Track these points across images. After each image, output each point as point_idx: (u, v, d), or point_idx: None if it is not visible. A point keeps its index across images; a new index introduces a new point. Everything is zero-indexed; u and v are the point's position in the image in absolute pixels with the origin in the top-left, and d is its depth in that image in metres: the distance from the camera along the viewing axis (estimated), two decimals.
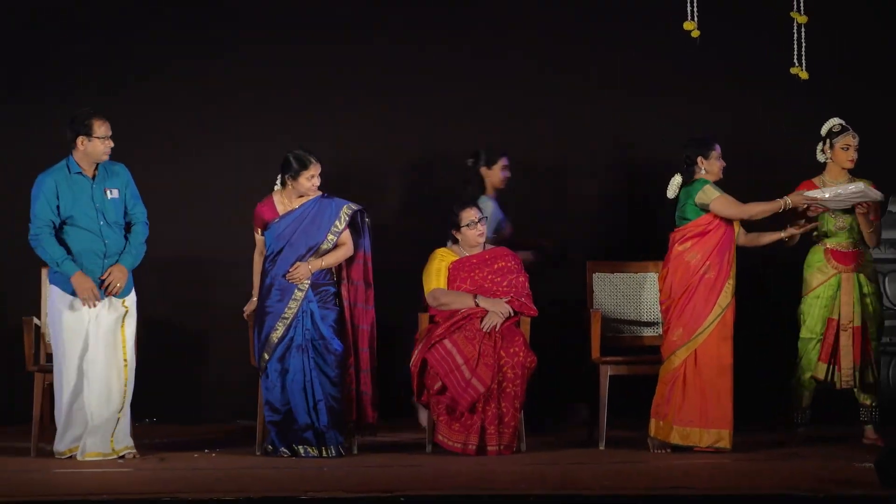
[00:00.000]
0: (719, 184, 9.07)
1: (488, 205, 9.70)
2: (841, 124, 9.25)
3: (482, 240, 9.27)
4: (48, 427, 8.90)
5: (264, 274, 8.90)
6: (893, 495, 7.11)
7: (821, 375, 9.22)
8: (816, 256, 9.28)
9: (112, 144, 8.64)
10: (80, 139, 8.57)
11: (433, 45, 10.77)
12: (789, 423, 9.31)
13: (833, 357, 9.24)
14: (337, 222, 8.92)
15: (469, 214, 9.23)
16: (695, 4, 8.57)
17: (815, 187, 9.20)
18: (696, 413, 8.88)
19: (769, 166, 10.65)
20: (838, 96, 10.31)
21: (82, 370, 8.53)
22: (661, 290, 9.10)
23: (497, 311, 9.04)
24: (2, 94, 10.52)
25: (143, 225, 8.73)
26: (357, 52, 10.72)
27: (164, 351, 9.54)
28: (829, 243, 9.25)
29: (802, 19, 8.75)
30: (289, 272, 8.81)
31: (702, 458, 8.75)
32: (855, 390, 9.25)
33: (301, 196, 8.96)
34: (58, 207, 8.52)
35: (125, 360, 8.61)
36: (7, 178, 10.38)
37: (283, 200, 8.98)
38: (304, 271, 8.81)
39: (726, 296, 8.91)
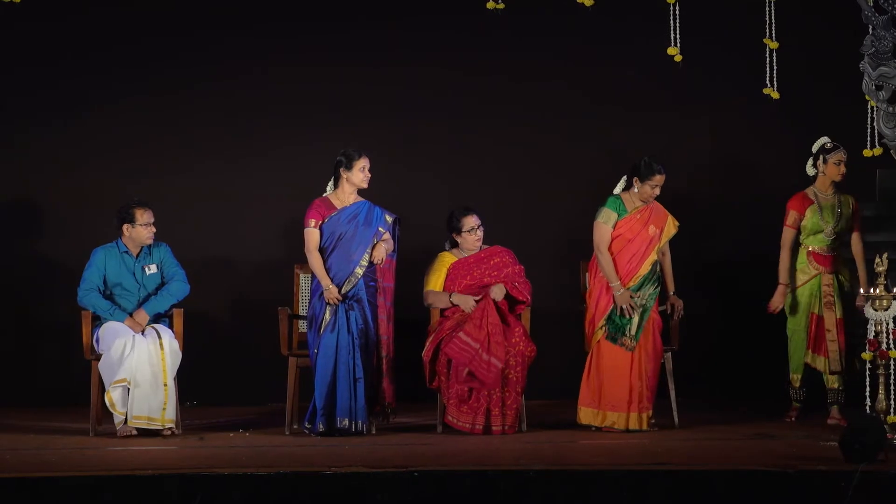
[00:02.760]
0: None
1: None
2: (832, 142, 9.65)
3: (479, 244, 9.63)
4: (104, 410, 9.28)
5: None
6: (857, 470, 7.52)
7: (808, 361, 9.76)
8: (800, 258, 9.77)
9: (154, 230, 9.41)
10: (125, 226, 9.43)
11: (465, 69, 11.02)
12: (787, 400, 9.82)
13: (816, 346, 9.72)
14: (380, 226, 9.38)
15: (470, 221, 9.60)
16: (677, 32, 9.18)
17: (808, 199, 9.68)
18: (595, 397, 9.35)
19: (745, 177, 11.07)
20: (805, 113, 10.62)
21: (131, 346, 9.14)
22: (589, 284, 9.61)
23: (467, 305, 9.45)
24: (71, 103, 10.88)
25: (181, 283, 9.48)
26: (392, 73, 11.00)
27: (204, 342, 9.84)
28: (811, 246, 9.73)
29: (774, 45, 9.23)
30: (373, 255, 9.26)
31: (684, 437, 9.13)
32: (825, 376, 9.73)
33: (353, 192, 9.37)
34: (105, 277, 9.40)
35: (158, 334, 9.24)
36: (60, 182, 10.86)
37: (338, 197, 9.39)
38: (382, 252, 9.30)
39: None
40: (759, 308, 9.85)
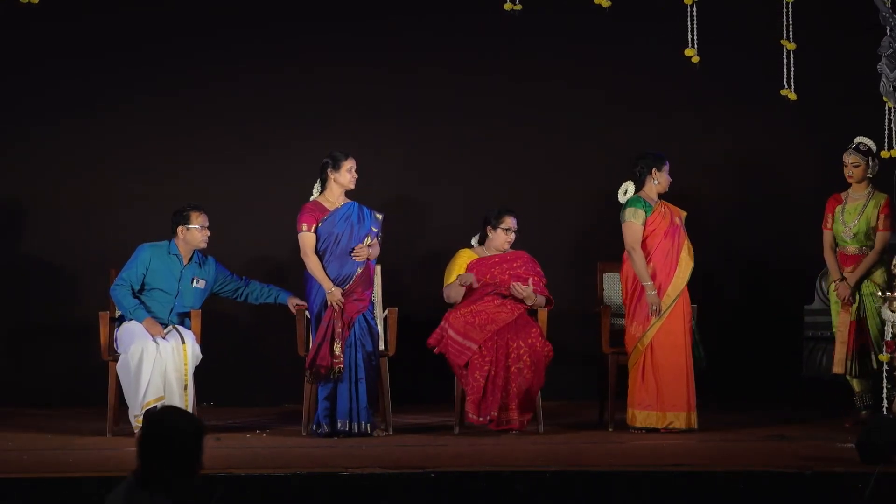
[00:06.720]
0: (665, 196, 9.57)
1: None
2: (853, 144, 9.72)
3: (508, 247, 9.68)
4: (120, 410, 9.36)
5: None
6: (873, 471, 7.52)
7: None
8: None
9: (209, 234, 9.45)
10: (179, 228, 9.43)
11: (468, 71, 11.05)
12: (853, 407, 9.76)
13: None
14: (373, 225, 9.44)
15: (508, 221, 9.65)
16: (695, 33, 9.21)
17: (838, 200, 9.77)
18: (653, 398, 9.34)
19: (761, 180, 11.07)
20: (823, 115, 10.67)
21: (157, 352, 9.14)
22: (622, 287, 9.64)
23: (467, 280, 9.50)
24: (87, 103, 10.89)
25: (252, 281, 9.68)
26: (395, 75, 11.01)
27: (221, 342, 9.89)
28: (839, 246, 9.79)
29: (791, 46, 9.25)
30: (356, 251, 9.31)
31: (700, 438, 9.14)
32: (849, 378, 9.70)
33: (341, 194, 9.41)
34: (144, 276, 9.38)
35: (183, 341, 9.25)
36: (80, 184, 10.90)
37: (328, 199, 9.44)
38: (366, 252, 9.34)
39: (668, 297, 9.39)
40: (775, 308, 9.86)
